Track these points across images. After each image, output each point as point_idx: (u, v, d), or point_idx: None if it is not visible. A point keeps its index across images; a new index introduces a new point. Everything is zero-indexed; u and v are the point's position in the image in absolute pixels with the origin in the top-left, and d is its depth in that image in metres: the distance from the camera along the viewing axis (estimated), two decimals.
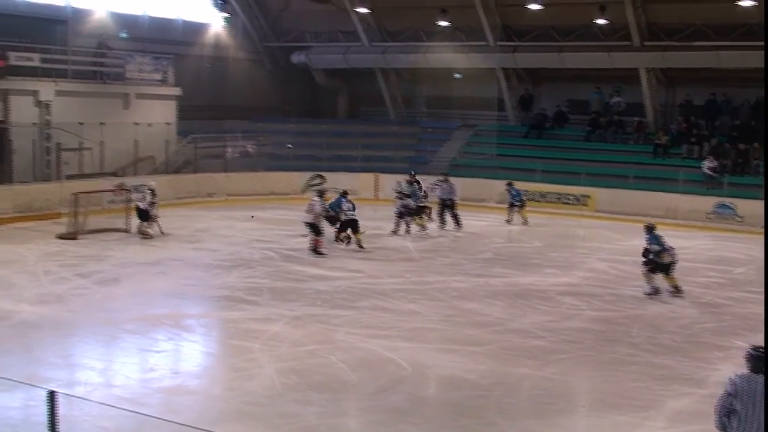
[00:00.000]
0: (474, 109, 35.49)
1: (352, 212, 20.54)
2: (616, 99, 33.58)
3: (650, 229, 16.33)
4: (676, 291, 15.89)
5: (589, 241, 23.27)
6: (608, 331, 13.31)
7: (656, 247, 15.88)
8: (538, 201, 28.81)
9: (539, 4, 29.59)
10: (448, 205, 24.35)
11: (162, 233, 21.27)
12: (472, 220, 25.13)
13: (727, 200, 26.93)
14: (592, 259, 19.97)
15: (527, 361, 11.52)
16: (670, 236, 23.79)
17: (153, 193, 21.57)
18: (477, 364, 11.29)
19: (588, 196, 28.72)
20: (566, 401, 10.33)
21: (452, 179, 25.52)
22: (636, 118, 32.76)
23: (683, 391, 10.62)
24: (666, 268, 15.93)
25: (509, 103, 35.09)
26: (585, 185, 28.89)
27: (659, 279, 15.92)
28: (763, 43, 29.00)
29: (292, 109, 36.83)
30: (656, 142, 31.24)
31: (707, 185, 27.80)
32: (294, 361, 11.29)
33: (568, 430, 9.56)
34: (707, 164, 28.76)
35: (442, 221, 24.10)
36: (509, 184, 26.30)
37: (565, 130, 34.13)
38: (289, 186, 30.31)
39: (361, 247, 19.93)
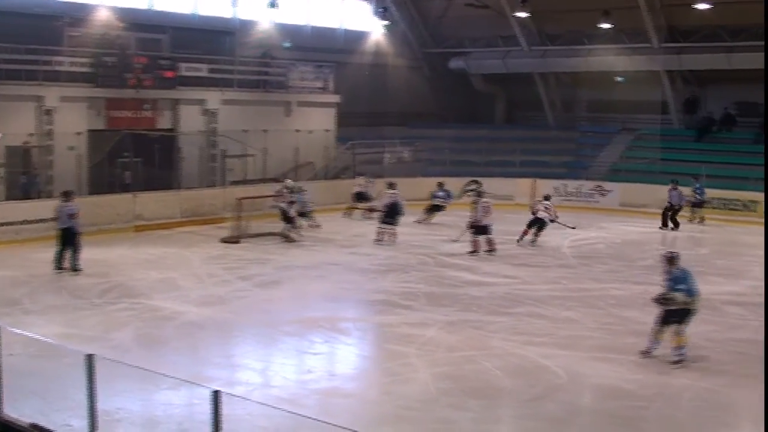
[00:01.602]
0: (636, 113, 34.69)
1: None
2: None
3: (671, 260, 12.11)
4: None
5: (756, 248, 22.25)
6: None
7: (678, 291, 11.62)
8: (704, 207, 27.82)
9: (708, 3, 28.52)
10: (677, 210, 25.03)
11: (300, 234, 21.72)
12: (632, 227, 24.55)
13: None
14: (760, 267, 19.10)
15: (688, 371, 11.15)
16: None
17: (291, 191, 22.05)
18: (635, 374, 11.02)
19: (756, 202, 27.48)
20: (729, 414, 9.99)
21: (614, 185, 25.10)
22: None
23: None
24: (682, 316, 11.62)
25: (673, 106, 34.07)
26: (753, 190, 27.69)
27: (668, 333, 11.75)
28: None
29: (449, 114, 36.98)
30: None
31: None
32: (449, 367, 11.31)
33: None
34: None
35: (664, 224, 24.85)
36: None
37: (733, 134, 32.82)
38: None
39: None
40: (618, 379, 10.85)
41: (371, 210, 24.93)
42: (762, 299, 15.51)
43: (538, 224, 21.57)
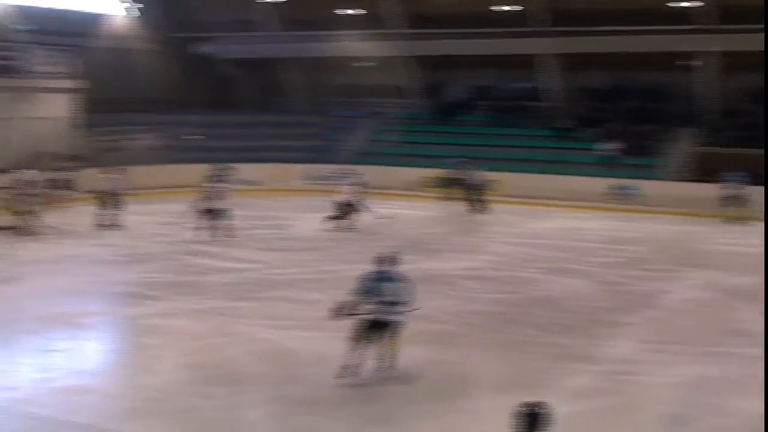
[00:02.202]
0: (382, 98, 35.60)
1: None
2: (520, 84, 34.14)
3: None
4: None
5: (493, 225, 23.60)
6: (509, 313, 13.55)
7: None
8: (443, 188, 29.06)
9: None
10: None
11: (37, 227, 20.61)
12: (380, 208, 25.24)
13: (628, 181, 27.56)
14: (496, 242, 20.31)
15: (429, 345, 11.64)
16: (573, 218, 24.59)
17: (28, 182, 21.16)
18: None
19: (494, 181, 29.06)
20: (467, 384, 10.46)
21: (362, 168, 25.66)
22: (539, 103, 33.34)
23: (581, 368, 10.87)
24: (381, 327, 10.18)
25: (416, 90, 35.32)
26: (491, 170, 29.22)
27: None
28: (658, 27, 29.86)
29: (199, 100, 36.41)
30: (559, 126, 31.84)
31: (609, 167, 28.40)
32: (196, 355, 11.22)
33: (468, 413, 9.67)
34: (609, 146, 29.44)
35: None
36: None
37: (471, 117, 34.47)
38: (193, 178, 29.83)
39: None
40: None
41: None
42: (496, 273, 16.59)
43: (346, 208, 22.02)
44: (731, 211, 24.90)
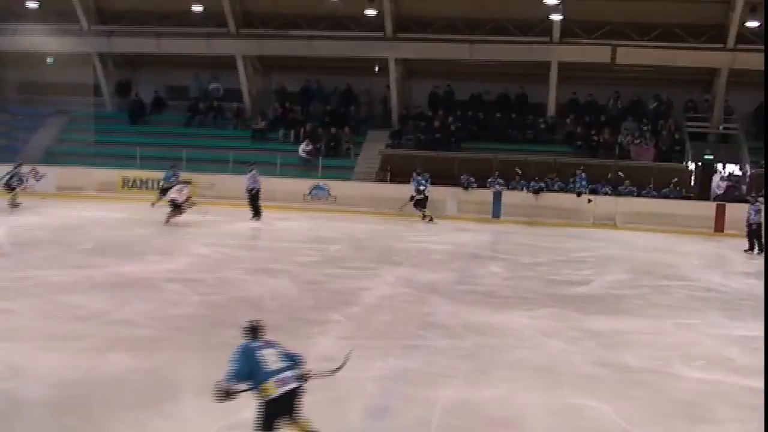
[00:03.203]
0: (69, 95, 34.13)
1: None
2: (214, 85, 34.13)
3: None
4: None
5: (193, 226, 23.37)
6: (214, 315, 13.44)
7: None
8: (140, 189, 28.47)
9: None
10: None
11: None
12: (71, 210, 24.23)
13: (321, 182, 28.38)
14: (197, 243, 20.10)
15: (133, 351, 11.30)
16: (270, 219, 24.92)
17: None
18: (80, 360, 10.87)
19: (189, 182, 28.79)
20: (173, 388, 10.26)
21: (49, 168, 24.51)
22: (234, 104, 33.51)
23: None
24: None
25: (106, 89, 34.22)
26: (186, 171, 28.94)
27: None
28: (349, 33, 30.98)
29: None
30: (254, 127, 32.18)
31: (303, 168, 29.11)
32: None
33: (175, 418, 9.50)
34: (303, 147, 30.14)
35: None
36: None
37: (165, 116, 33.98)
38: None
39: None
40: (63, 366, 10.60)
41: None
42: (198, 274, 16.44)
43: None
44: (418, 210, 26.42)
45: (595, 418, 9.19)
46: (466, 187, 28.37)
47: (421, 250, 20.81)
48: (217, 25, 31.83)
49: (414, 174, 27.22)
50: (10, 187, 25.59)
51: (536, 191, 28.18)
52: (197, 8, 30.44)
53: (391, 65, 31.83)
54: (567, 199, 27.99)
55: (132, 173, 29.27)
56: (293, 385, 7.66)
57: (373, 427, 9.04)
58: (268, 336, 8.26)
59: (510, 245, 22.89)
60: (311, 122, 32.36)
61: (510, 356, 11.39)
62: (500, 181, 28.59)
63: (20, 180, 26.21)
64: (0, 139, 32.31)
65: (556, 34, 30.04)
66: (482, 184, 28.52)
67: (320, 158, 30.15)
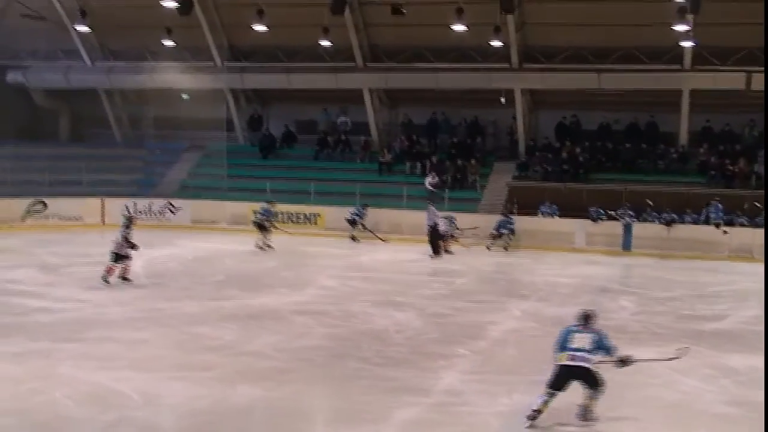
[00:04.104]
0: (202, 130, 35.20)
1: None
2: (342, 119, 34.61)
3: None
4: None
5: (320, 258, 23.69)
6: (339, 347, 13.56)
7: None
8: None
9: (264, 26, 29.63)
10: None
11: None
12: (204, 243, 24.91)
13: (449, 213, 28.29)
14: (323, 276, 20.34)
15: (261, 382, 11.51)
16: (396, 251, 25.03)
17: None
18: (209, 389, 11.14)
19: (318, 215, 29.26)
20: (300, 419, 10.40)
21: (184, 201, 25.23)
22: (362, 137, 33.86)
23: (411, 401, 10.98)
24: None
25: (238, 123, 35.19)
26: (314, 203, 29.42)
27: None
28: (475, 65, 30.97)
29: (9, 131, 34.80)
30: (381, 160, 32.43)
31: (430, 200, 29.11)
32: (15, 402, 10.62)
33: None
34: (429, 180, 30.17)
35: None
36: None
37: (294, 150, 34.64)
38: (8, 213, 28.56)
39: None
40: (193, 396, 10.89)
41: None
42: (324, 307, 16.64)
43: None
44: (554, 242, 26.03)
45: None
46: (595, 219, 27.82)
47: (549, 284, 20.48)
48: (345, 60, 32.31)
49: (541, 205, 27.01)
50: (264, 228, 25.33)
51: (668, 223, 27.39)
52: (325, 43, 30.99)
53: (518, 96, 31.62)
54: (701, 231, 27.07)
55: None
56: (580, 363, 9.95)
57: None
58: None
59: (641, 279, 22.33)
60: (437, 154, 32.43)
61: (641, 393, 11.07)
62: (630, 212, 27.92)
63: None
64: (138, 174, 33.54)
65: (687, 61, 29.26)
66: (612, 216, 27.92)
67: (446, 190, 30.13)
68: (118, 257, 18.56)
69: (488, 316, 16.08)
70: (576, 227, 27.51)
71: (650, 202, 28.07)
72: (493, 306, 17.33)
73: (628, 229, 27.36)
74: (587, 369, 9.94)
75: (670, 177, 29.94)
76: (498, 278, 21.46)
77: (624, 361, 10.26)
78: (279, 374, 11.99)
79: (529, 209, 28.08)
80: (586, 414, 10.08)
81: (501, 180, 31.17)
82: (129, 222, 19.36)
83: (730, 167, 29.57)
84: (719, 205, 27.48)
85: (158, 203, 30.29)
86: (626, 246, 27.19)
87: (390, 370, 12.32)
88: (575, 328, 10.29)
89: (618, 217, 27.80)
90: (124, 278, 18.62)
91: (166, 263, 21.96)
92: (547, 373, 10.05)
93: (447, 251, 25.07)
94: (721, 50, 28.61)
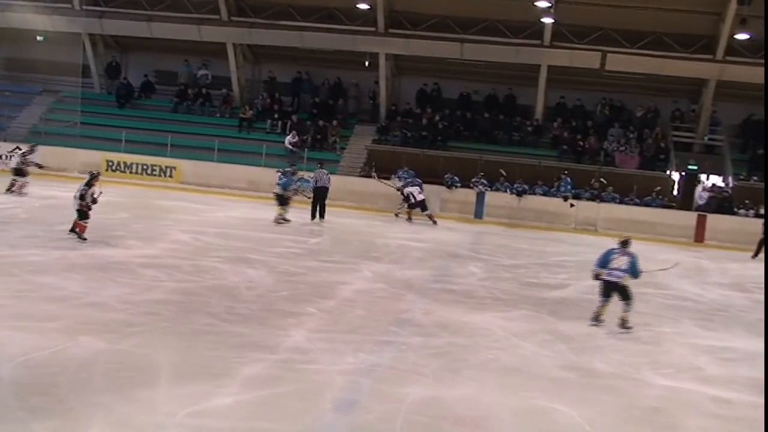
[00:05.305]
0: (57, 74, 34.01)
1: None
2: (203, 72, 34.03)
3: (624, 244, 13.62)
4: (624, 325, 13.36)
5: (173, 212, 23.33)
6: (188, 302, 13.42)
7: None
8: (123, 172, 28.38)
9: None
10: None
11: None
12: (53, 191, 24.11)
13: (306, 174, 28.28)
14: (176, 230, 20.06)
15: (105, 335, 11.27)
16: (252, 208, 24.90)
17: None
18: (50, 340, 10.84)
19: (174, 168, 28.78)
20: (143, 374, 10.24)
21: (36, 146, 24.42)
22: (223, 92, 33.41)
23: (257, 357, 10.98)
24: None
25: (95, 70, 34.10)
26: (171, 156, 28.91)
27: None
28: (341, 26, 30.93)
29: None
30: (242, 116, 32.13)
31: (289, 159, 29.08)
32: None
33: (144, 403, 9.47)
34: (289, 139, 30.09)
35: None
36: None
37: (152, 101, 33.88)
38: None
39: None
40: (32, 347, 10.54)
41: None
42: (176, 261, 16.42)
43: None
44: (402, 208, 26.40)
45: (560, 421, 9.24)
46: (449, 186, 28.41)
47: (401, 247, 20.84)
48: (210, 12, 31.74)
49: (399, 171, 27.28)
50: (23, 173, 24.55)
51: (519, 193, 28.26)
52: None
53: (382, 60, 31.83)
54: (550, 203, 28.08)
55: (116, 156, 29.16)
56: (614, 279, 13.12)
57: (340, 420, 9.05)
58: None
59: (490, 246, 22.96)
60: (299, 114, 32.33)
61: (481, 356, 11.42)
62: (484, 181, 28.63)
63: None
64: None
65: (547, 37, 30.12)
66: (466, 184, 28.57)
67: (306, 150, 30.12)
68: None
69: (339, 277, 16.23)
70: (431, 193, 28.03)
71: (504, 173, 28.86)
72: (346, 266, 17.50)
73: (481, 197, 28.09)
74: (621, 285, 13.01)
75: (524, 149, 30.88)
76: (352, 239, 21.63)
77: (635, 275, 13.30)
78: (124, 327, 11.77)
79: (387, 173, 28.42)
80: (624, 323, 13.09)
81: (361, 143, 31.41)
82: None
83: (581, 143, 30.68)
84: (569, 179, 28.51)
85: (5, 147, 29.08)
86: (478, 214, 27.93)
87: (238, 327, 12.28)
88: (616, 250, 13.20)
89: (472, 185, 28.47)
90: None
91: (11, 209, 21.20)
92: (394, 334, 10.23)
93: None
94: (578, 29, 29.56)
